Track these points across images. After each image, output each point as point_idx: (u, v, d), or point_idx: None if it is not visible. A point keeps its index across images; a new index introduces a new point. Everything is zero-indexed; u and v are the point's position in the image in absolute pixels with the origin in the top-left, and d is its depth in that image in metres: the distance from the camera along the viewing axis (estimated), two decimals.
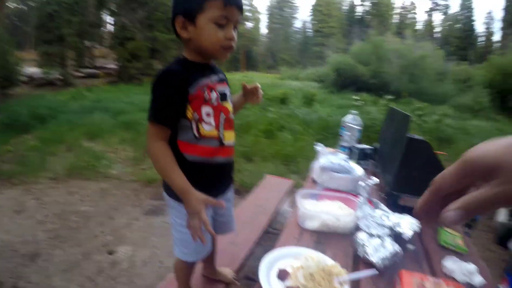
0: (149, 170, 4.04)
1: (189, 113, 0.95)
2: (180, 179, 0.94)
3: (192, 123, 0.96)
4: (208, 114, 0.98)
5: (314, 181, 1.63)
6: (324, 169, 1.55)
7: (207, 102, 0.97)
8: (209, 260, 1.38)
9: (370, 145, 2.00)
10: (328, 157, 1.66)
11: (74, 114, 6.54)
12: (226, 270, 1.45)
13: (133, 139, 5.22)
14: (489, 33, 45.21)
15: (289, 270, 0.86)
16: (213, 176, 1.06)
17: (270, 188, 2.57)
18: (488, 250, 2.76)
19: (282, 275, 0.84)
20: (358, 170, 1.62)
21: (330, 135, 5.71)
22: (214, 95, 0.98)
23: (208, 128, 0.98)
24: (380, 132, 2.16)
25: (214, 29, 0.93)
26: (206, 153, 1.00)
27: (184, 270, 1.23)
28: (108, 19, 17.93)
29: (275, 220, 2.26)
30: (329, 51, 25.22)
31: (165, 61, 15.81)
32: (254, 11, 48.07)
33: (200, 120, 0.97)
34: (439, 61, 17.02)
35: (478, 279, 0.94)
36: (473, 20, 43.70)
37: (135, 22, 14.73)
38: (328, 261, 0.91)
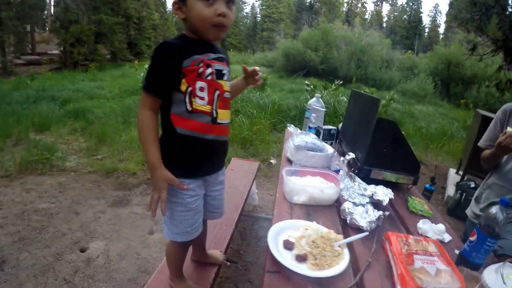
0: (106, 159, 3.88)
1: (183, 86, 0.96)
2: (154, 153, 0.97)
3: (186, 97, 0.97)
4: (201, 89, 0.98)
5: (289, 160, 1.71)
6: (299, 148, 1.64)
7: (201, 76, 0.97)
8: (199, 244, 1.37)
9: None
10: (301, 137, 1.75)
11: (18, 104, 6.06)
12: (216, 253, 1.45)
13: (84, 128, 4.96)
14: (435, 25, 48.77)
15: (292, 240, 0.93)
16: (204, 154, 1.06)
17: (238, 170, 2.64)
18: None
19: (288, 245, 0.91)
20: (329, 148, 1.74)
21: (284, 119, 5.89)
22: (209, 70, 0.98)
23: (200, 102, 0.98)
24: (345, 113, 2.32)
25: (203, 6, 0.93)
26: (197, 128, 1.00)
27: (176, 253, 1.19)
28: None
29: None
30: (278, 36, 25.46)
31: (111, 45, 14.89)
32: None
33: (193, 93, 0.97)
34: (385, 49, 18.06)
35: (447, 236, 1.10)
36: (420, 12, 46.79)
37: (79, 3, 13.60)
38: (323, 229, 0.99)
